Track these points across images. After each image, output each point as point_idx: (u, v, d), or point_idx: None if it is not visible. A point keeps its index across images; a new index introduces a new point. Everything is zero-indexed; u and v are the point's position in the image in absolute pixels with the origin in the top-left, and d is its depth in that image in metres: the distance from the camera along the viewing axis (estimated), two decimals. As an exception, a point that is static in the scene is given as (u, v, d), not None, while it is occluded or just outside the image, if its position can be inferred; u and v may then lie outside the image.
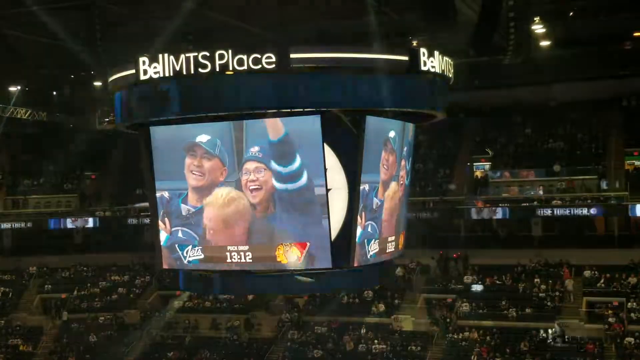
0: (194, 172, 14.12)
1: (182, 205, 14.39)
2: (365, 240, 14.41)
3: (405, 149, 15.48)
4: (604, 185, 37.53)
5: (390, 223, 15.32)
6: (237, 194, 13.84)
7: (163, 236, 14.82)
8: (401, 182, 15.63)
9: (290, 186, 13.55)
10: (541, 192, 38.29)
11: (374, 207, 14.54)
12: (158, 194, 14.65)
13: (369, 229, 14.49)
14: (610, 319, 33.92)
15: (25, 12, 25.72)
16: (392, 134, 14.74)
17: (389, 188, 15.08)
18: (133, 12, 26.16)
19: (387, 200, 15.05)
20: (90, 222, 44.63)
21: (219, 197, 14.02)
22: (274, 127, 13.56)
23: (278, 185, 13.61)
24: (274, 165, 13.59)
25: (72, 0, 24.64)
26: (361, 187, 13.83)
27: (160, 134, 14.42)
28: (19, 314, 43.97)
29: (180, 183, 14.31)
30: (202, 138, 13.95)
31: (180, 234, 14.58)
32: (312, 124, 13.36)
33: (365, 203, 14.10)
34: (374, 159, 14.18)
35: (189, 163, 14.14)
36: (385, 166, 14.62)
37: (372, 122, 13.75)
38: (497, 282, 38.19)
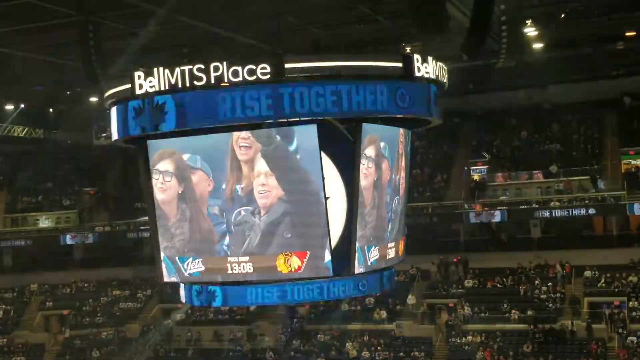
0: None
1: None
2: (366, 247, 14.44)
3: (402, 159, 15.51)
4: (601, 185, 37.55)
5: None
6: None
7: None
8: (401, 187, 15.69)
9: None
10: (538, 191, 38.31)
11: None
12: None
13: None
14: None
15: (18, 30, 25.76)
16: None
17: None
18: (128, 26, 26.18)
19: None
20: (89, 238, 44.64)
21: None
22: None
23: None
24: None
25: (64, 17, 24.64)
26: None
27: (157, 147, 14.46)
28: (21, 331, 43.97)
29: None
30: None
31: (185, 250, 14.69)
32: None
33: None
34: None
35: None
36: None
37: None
38: (498, 285, 38.22)
